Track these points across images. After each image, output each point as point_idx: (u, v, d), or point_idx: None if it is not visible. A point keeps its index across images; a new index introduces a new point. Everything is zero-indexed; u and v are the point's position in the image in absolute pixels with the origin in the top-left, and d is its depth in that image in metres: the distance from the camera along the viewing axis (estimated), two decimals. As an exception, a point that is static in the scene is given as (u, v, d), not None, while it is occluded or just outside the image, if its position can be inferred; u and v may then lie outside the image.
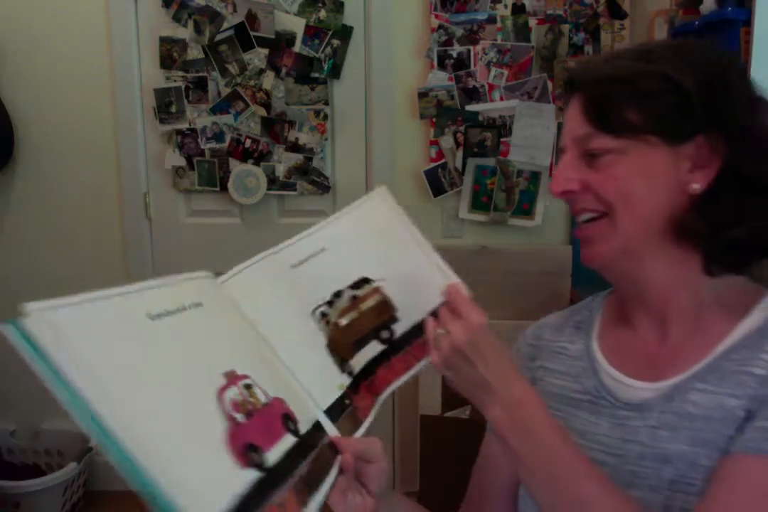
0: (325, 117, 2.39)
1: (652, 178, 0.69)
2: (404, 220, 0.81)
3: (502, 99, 2.33)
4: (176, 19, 2.35)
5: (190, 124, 2.40)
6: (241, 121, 2.39)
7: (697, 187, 0.69)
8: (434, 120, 2.35)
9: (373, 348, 0.73)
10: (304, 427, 0.62)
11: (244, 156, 2.41)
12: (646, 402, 0.73)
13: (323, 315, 0.70)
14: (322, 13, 2.32)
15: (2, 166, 2.44)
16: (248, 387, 0.57)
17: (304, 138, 2.40)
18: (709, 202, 0.69)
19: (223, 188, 2.42)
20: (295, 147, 2.40)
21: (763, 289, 0.74)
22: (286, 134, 2.39)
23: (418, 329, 0.73)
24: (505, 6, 2.29)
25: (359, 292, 0.71)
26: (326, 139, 2.41)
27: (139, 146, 2.45)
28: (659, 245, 0.71)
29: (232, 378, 0.56)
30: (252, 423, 0.56)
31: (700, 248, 0.71)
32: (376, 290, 0.73)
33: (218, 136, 2.41)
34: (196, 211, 2.52)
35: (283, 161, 2.41)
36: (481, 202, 2.38)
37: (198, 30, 2.35)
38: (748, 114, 0.69)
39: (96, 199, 2.50)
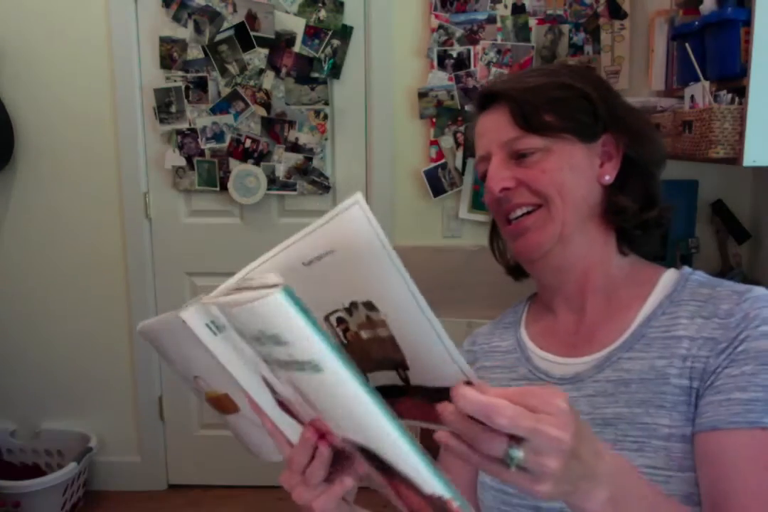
0: (325, 117, 2.39)
1: (576, 170, 0.80)
2: (384, 241, 0.68)
3: (502, 99, 2.33)
4: (176, 19, 2.35)
5: (190, 124, 2.40)
6: (241, 121, 2.39)
7: (608, 178, 0.81)
8: (434, 120, 2.35)
9: (391, 378, 0.62)
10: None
11: (244, 156, 2.41)
12: (579, 374, 0.80)
13: (340, 320, 0.63)
14: (322, 13, 2.32)
15: (2, 167, 2.44)
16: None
17: (304, 138, 2.40)
18: (619, 189, 0.81)
19: (223, 188, 2.42)
20: (295, 147, 2.40)
21: (656, 265, 0.85)
22: (286, 134, 2.39)
23: (435, 393, 0.58)
24: (505, 6, 2.29)
25: (373, 315, 0.59)
26: (326, 139, 2.41)
27: (139, 146, 2.45)
28: (583, 230, 0.81)
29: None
30: None
31: (615, 230, 0.83)
32: (384, 323, 0.60)
33: (218, 136, 2.41)
34: (196, 211, 2.52)
35: (283, 161, 2.41)
36: (481, 202, 2.38)
37: (198, 30, 2.35)
38: (632, 115, 0.84)
39: (96, 199, 2.50)
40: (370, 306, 0.59)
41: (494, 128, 0.82)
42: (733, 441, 0.66)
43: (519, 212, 0.81)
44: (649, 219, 0.82)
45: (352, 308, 0.60)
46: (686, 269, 0.83)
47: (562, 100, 0.80)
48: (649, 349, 0.76)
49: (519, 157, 0.80)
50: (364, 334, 0.60)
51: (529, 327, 0.91)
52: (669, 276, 0.82)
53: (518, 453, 0.47)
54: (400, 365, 0.60)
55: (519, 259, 0.86)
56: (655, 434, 0.71)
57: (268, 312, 0.47)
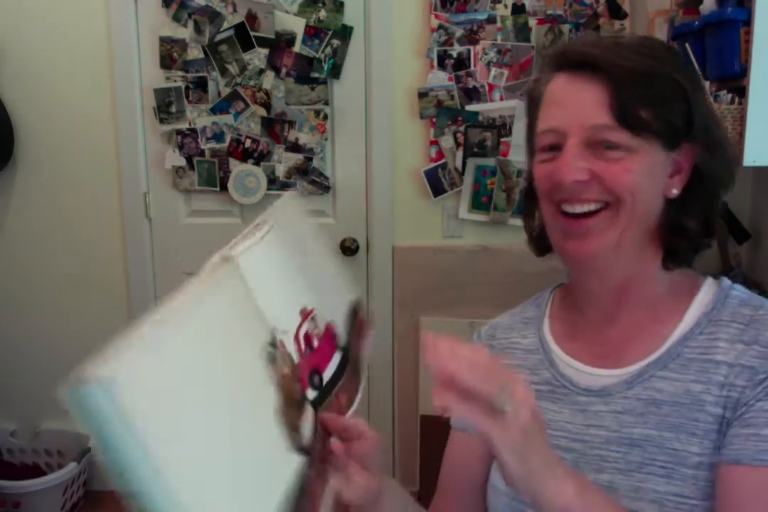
0: (325, 117, 2.39)
1: (652, 178, 0.73)
2: (317, 235, 0.74)
3: (502, 99, 2.33)
4: (176, 19, 2.35)
5: (190, 124, 2.40)
6: (241, 121, 2.39)
7: (675, 192, 0.75)
8: (434, 120, 2.35)
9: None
10: (342, 340, 0.69)
11: (244, 156, 2.41)
12: (607, 388, 0.76)
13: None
14: (322, 13, 2.32)
15: (2, 166, 2.44)
16: (314, 318, 0.65)
17: (304, 138, 2.40)
18: (680, 206, 0.75)
19: (223, 188, 2.42)
20: (295, 147, 2.40)
21: (693, 273, 0.80)
22: (286, 134, 2.39)
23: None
24: (505, 6, 2.28)
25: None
26: (326, 139, 2.41)
27: (139, 146, 2.45)
28: (637, 241, 0.75)
29: (305, 312, 0.64)
30: (316, 351, 0.64)
31: (664, 244, 0.76)
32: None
33: (218, 136, 2.41)
34: (196, 211, 2.52)
35: (283, 161, 2.41)
36: (481, 202, 2.38)
37: (198, 30, 2.35)
38: (714, 123, 0.76)
39: (96, 199, 2.50)
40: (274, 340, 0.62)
41: (583, 104, 0.71)
42: (755, 478, 0.65)
43: (581, 208, 0.73)
44: (696, 235, 0.76)
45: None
46: (725, 282, 0.78)
47: (664, 98, 0.71)
48: (684, 371, 0.72)
49: (601, 147, 0.71)
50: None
51: (553, 324, 0.86)
52: (707, 289, 0.78)
53: (504, 395, 0.53)
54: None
55: (564, 259, 0.78)
56: (685, 462, 0.69)
57: None
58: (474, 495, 0.86)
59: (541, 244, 0.84)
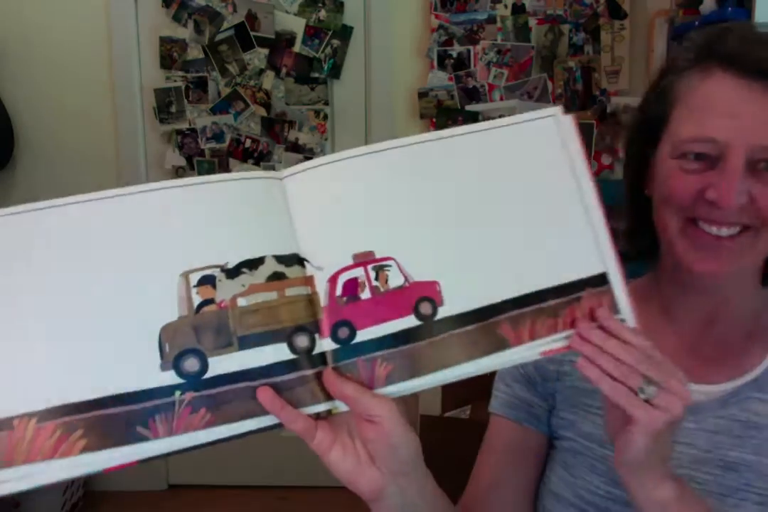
0: (325, 117, 2.39)
1: None
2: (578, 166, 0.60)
3: (502, 99, 2.33)
4: (176, 19, 2.35)
5: (190, 124, 2.40)
6: (241, 121, 2.39)
7: None
8: (434, 120, 2.35)
9: (275, 353, 0.57)
10: (447, 311, 0.57)
11: (244, 156, 2.41)
12: (698, 405, 0.71)
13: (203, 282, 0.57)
14: (322, 13, 2.32)
15: (2, 166, 2.44)
16: (381, 269, 0.57)
17: (304, 138, 2.40)
18: None
19: (223, 188, 2.42)
20: (295, 147, 2.40)
21: None
22: (286, 134, 2.39)
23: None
24: (505, 6, 2.28)
25: (291, 272, 0.57)
26: (326, 139, 2.41)
27: (139, 146, 2.45)
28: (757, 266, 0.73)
29: (362, 259, 0.57)
30: (361, 304, 0.56)
31: (765, 261, 0.72)
32: (310, 280, 0.57)
33: (218, 136, 2.41)
34: (196, 211, 2.52)
35: (283, 161, 2.41)
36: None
37: (198, 30, 2.35)
38: None
39: (96, 199, 2.50)
40: (293, 261, 0.56)
41: (758, 120, 0.64)
42: None
43: (726, 231, 0.66)
44: None
45: (243, 268, 0.55)
46: None
47: None
48: None
49: (759, 167, 0.64)
50: (250, 300, 0.55)
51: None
52: None
53: (653, 389, 0.54)
54: (307, 330, 0.56)
55: (685, 274, 0.71)
56: None
57: None
58: (520, 496, 0.81)
59: (639, 243, 0.77)
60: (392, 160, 0.61)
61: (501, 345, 0.57)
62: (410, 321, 0.57)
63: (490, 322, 0.57)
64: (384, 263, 0.57)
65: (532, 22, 2.29)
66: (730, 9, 1.54)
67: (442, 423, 1.85)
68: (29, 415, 0.52)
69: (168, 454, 0.53)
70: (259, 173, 0.59)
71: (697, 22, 1.70)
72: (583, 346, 0.56)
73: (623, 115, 2.26)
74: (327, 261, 0.56)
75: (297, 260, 0.56)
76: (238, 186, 0.57)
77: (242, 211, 0.56)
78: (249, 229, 0.56)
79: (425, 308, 0.57)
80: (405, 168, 0.60)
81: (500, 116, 2.47)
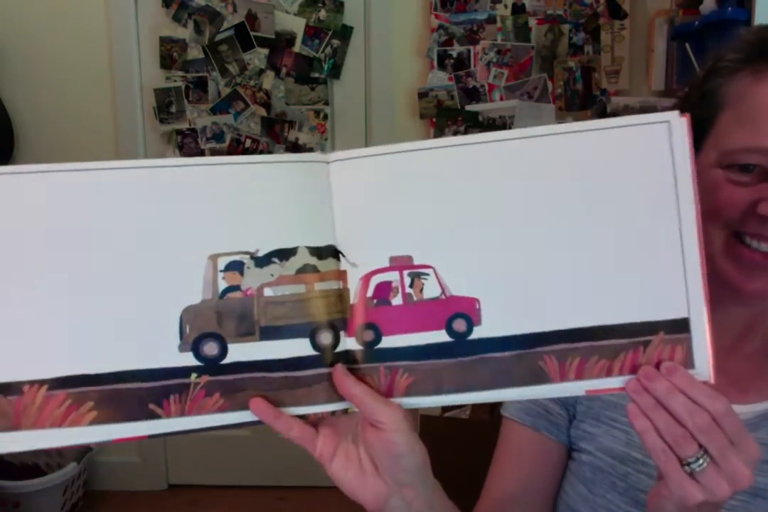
0: (325, 117, 2.39)
1: None
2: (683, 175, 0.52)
3: (502, 99, 2.33)
4: (176, 19, 2.35)
5: (190, 124, 2.40)
6: (241, 121, 2.39)
7: None
8: (434, 120, 2.35)
9: (298, 347, 0.56)
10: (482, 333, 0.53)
11: (244, 156, 2.41)
12: None
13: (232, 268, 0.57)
14: (322, 13, 2.32)
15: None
16: (418, 276, 0.54)
17: (304, 138, 2.40)
18: None
19: (223, 188, 2.42)
20: (295, 147, 2.40)
21: None
22: (286, 134, 2.39)
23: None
24: (505, 6, 2.28)
25: (323, 265, 0.57)
26: (326, 139, 2.41)
27: (139, 146, 2.45)
28: None
29: (399, 263, 0.54)
30: (390, 310, 0.54)
31: None
32: (343, 275, 0.56)
33: (218, 136, 2.41)
34: (196, 211, 2.52)
35: (283, 161, 2.41)
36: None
37: (198, 30, 2.35)
38: None
39: (96, 199, 2.50)
40: (328, 252, 0.54)
41: None
42: None
43: None
44: None
45: (272, 257, 0.53)
46: None
47: None
48: None
49: None
50: (277, 291, 0.54)
51: None
52: None
53: (703, 464, 0.47)
54: (332, 327, 0.54)
55: (739, 292, 0.66)
56: None
57: None
58: (544, 495, 0.78)
59: None
60: (453, 160, 0.54)
61: (539, 378, 0.52)
62: (440, 336, 0.54)
63: (530, 352, 0.52)
64: (421, 271, 0.54)
65: (532, 22, 2.29)
66: (730, 9, 1.54)
67: (442, 423, 1.85)
68: (40, 382, 0.52)
69: (178, 433, 0.53)
70: (305, 156, 0.55)
71: (697, 22, 1.70)
72: (640, 396, 0.49)
73: (623, 115, 2.26)
74: (362, 258, 0.54)
75: (332, 252, 0.54)
76: (282, 170, 0.54)
77: (282, 196, 0.54)
78: (286, 217, 0.54)
79: (459, 325, 0.53)
80: (465, 169, 0.54)
81: (500, 116, 2.46)
